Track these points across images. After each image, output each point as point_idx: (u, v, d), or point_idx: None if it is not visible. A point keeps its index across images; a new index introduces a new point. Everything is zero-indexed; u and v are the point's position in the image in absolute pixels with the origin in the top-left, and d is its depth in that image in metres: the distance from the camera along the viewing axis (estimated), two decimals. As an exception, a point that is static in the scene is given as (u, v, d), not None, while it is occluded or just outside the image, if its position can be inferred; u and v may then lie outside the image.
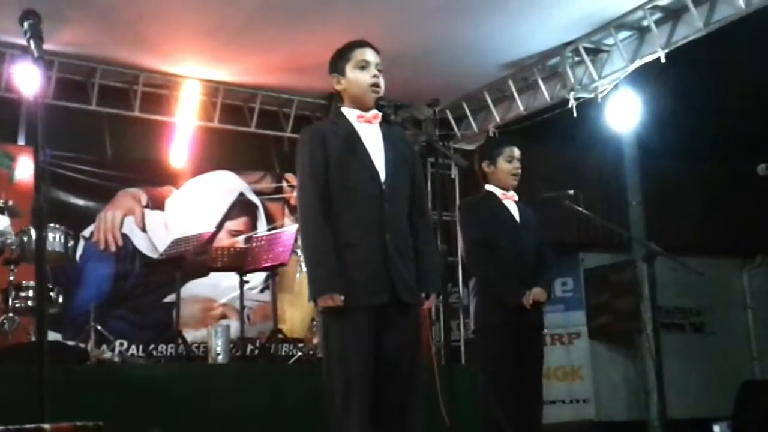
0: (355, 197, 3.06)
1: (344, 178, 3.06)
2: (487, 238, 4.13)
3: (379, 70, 3.18)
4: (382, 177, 3.09)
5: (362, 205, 3.05)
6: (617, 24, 6.55)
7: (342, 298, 2.94)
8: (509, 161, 4.21)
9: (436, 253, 3.24)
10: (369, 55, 3.18)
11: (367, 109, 3.18)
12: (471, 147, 8.08)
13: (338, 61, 3.22)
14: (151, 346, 6.72)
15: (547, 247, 4.33)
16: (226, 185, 7.80)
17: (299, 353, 6.18)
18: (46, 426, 1.94)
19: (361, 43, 3.22)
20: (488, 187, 4.26)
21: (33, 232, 4.95)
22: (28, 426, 1.94)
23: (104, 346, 6.01)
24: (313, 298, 3.02)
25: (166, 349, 6.79)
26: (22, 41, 2.70)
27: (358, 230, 3.03)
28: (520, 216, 4.21)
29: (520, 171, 4.22)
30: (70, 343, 5.90)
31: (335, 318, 2.99)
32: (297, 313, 6.54)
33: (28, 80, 6.28)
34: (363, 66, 3.17)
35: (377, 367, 2.97)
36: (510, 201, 4.23)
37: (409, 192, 3.19)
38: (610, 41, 6.79)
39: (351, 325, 2.96)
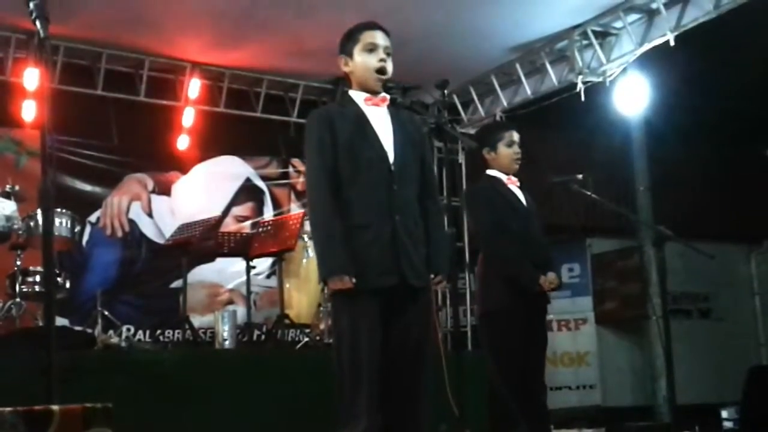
0: (365, 179, 3.03)
1: (353, 161, 3.04)
2: (499, 221, 4.09)
3: (387, 54, 3.14)
4: (391, 158, 3.06)
5: (371, 187, 3.03)
6: (626, 7, 6.50)
7: (353, 280, 2.93)
8: (509, 146, 4.18)
9: (446, 236, 3.22)
10: (378, 37, 3.14)
11: (373, 92, 3.15)
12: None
13: (347, 43, 3.18)
14: (158, 332, 6.75)
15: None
16: (233, 170, 7.80)
17: (306, 338, 6.18)
18: (55, 407, 1.93)
19: (371, 25, 3.17)
20: (490, 172, 4.22)
21: (39, 217, 4.97)
22: (36, 407, 1.94)
23: (111, 332, 6.01)
24: (323, 280, 3.00)
25: (173, 335, 6.83)
26: (28, 25, 2.67)
27: (368, 212, 3.01)
28: (527, 201, 4.19)
29: (520, 154, 4.20)
30: (78, 328, 5.93)
31: (345, 300, 2.97)
32: (304, 298, 6.52)
33: (34, 64, 6.28)
34: (371, 49, 3.13)
35: (386, 350, 2.95)
36: (514, 186, 4.21)
37: (419, 174, 3.16)
38: (618, 24, 6.74)
39: (361, 307, 2.94)
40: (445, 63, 7.05)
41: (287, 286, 6.46)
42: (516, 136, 4.20)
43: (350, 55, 3.16)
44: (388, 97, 3.15)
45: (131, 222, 7.21)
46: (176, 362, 4.99)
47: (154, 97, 7.32)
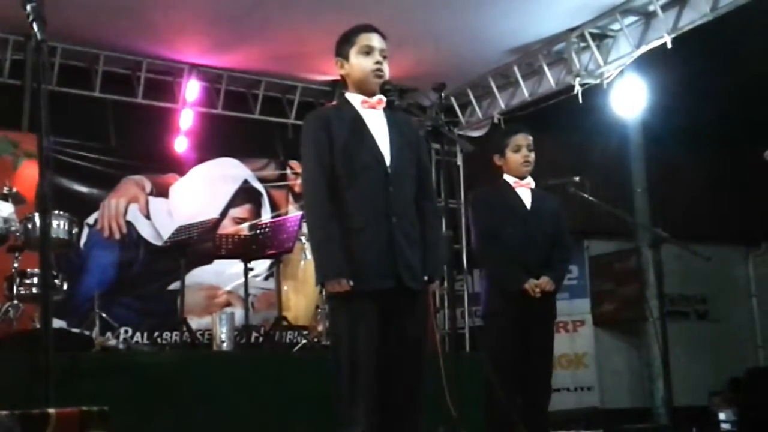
0: (361, 181, 3.04)
1: (349, 163, 3.05)
2: (493, 227, 4.14)
3: (384, 57, 3.16)
4: (388, 161, 3.07)
5: (368, 189, 3.04)
6: (623, 9, 6.50)
7: (350, 282, 2.93)
8: (516, 150, 4.20)
9: (442, 238, 3.23)
10: (374, 40, 3.15)
11: (370, 95, 3.16)
12: (476, 134, 8.07)
13: (343, 45, 3.20)
14: (156, 334, 6.73)
15: (567, 235, 4.31)
16: (230, 172, 7.79)
17: (304, 341, 6.17)
18: (51, 411, 1.93)
19: (367, 28, 3.19)
20: (505, 177, 4.26)
21: (37, 219, 4.96)
22: (33, 411, 1.94)
23: (109, 334, 5.99)
24: (321, 282, 3.01)
25: (171, 337, 6.81)
26: (25, 26, 2.68)
27: (364, 214, 3.02)
28: (533, 203, 4.19)
29: (531, 157, 4.20)
30: (75, 330, 5.90)
31: (342, 303, 2.98)
32: (301, 300, 6.52)
33: (33, 66, 6.27)
34: (367, 51, 3.14)
35: (383, 352, 2.95)
36: (524, 189, 4.21)
37: (415, 176, 3.17)
38: (615, 26, 6.75)
39: (358, 310, 2.95)
40: (442, 65, 7.07)
41: (285, 288, 6.46)
42: (524, 140, 4.20)
43: (346, 57, 3.18)
44: (384, 99, 3.16)
45: (129, 224, 7.19)
46: (174, 364, 4.98)
47: (151, 98, 7.32)
